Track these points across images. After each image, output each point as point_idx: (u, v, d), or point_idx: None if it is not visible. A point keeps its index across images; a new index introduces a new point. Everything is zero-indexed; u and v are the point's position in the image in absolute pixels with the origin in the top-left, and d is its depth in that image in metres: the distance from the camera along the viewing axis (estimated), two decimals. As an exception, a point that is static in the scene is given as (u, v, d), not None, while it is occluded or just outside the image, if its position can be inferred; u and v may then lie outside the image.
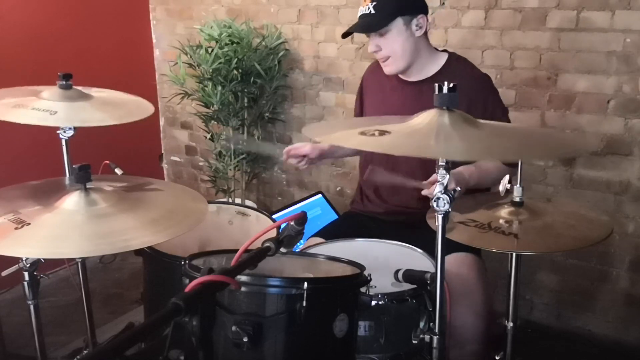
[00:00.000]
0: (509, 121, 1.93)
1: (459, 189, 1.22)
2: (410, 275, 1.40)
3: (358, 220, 2.07)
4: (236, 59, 3.01)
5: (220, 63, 2.99)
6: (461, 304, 1.61)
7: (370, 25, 1.85)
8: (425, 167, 1.86)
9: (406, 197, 1.95)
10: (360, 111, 2.16)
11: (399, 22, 1.84)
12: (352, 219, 2.11)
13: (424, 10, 1.88)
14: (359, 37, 3.00)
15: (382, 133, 1.17)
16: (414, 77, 1.94)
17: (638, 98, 2.36)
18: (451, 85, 1.19)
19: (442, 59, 1.93)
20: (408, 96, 1.93)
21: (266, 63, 3.11)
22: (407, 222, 1.92)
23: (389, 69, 1.92)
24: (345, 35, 1.93)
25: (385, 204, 2.04)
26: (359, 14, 1.88)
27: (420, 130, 1.18)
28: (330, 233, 1.97)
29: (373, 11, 1.83)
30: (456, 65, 1.93)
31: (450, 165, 1.16)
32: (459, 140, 1.15)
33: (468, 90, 1.76)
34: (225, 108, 3.13)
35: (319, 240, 1.93)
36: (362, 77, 2.17)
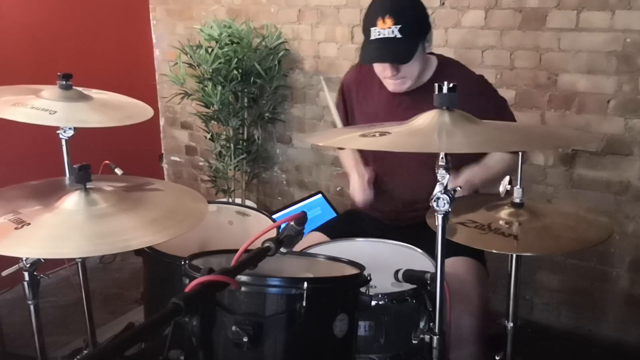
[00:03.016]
0: (511, 114, 1.91)
1: (459, 188, 1.21)
2: (410, 275, 1.40)
3: (360, 219, 2.07)
4: (236, 59, 3.01)
5: (220, 63, 2.99)
6: (457, 307, 1.61)
7: (401, 54, 1.70)
8: (423, 169, 1.85)
9: (398, 205, 1.97)
10: (346, 121, 2.04)
11: (420, 45, 1.74)
12: (354, 217, 2.11)
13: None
14: (359, 37, 3.00)
15: (383, 134, 1.18)
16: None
17: (638, 98, 2.36)
18: (451, 85, 1.19)
19: (434, 64, 1.88)
20: (404, 105, 1.86)
21: (266, 63, 3.11)
22: (406, 225, 1.92)
23: (399, 87, 1.81)
24: (367, 62, 1.80)
25: (382, 211, 2.03)
26: (378, 35, 1.69)
27: (422, 129, 1.18)
28: (331, 229, 1.98)
29: (399, 35, 1.66)
30: (449, 70, 1.87)
31: (450, 165, 1.16)
32: (462, 136, 1.16)
33: (465, 94, 1.75)
34: (225, 108, 3.13)
35: (319, 235, 1.94)
36: (343, 85, 2.05)
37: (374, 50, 1.72)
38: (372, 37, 1.71)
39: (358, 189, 1.93)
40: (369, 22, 1.74)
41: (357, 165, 1.98)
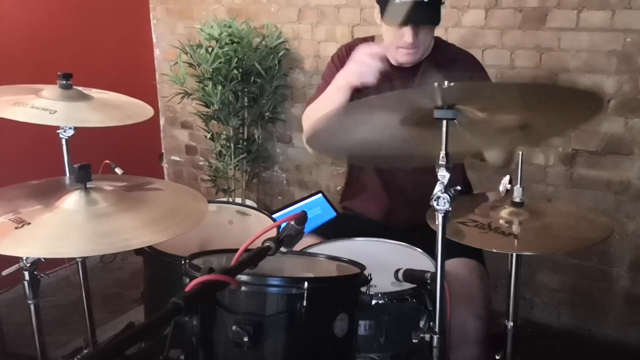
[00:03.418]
0: None
1: (459, 188, 1.21)
2: (410, 275, 1.40)
3: (356, 220, 2.06)
4: (236, 59, 3.01)
5: (220, 62, 2.99)
6: (462, 309, 1.61)
7: (434, 16, 1.71)
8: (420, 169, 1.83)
9: (394, 205, 1.94)
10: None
11: None
12: (351, 219, 2.10)
13: None
14: (359, 36, 3.00)
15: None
16: (408, 64, 1.85)
17: (638, 97, 2.36)
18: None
19: (432, 43, 1.89)
20: (405, 80, 1.85)
21: (266, 62, 3.11)
22: (404, 227, 1.91)
23: (411, 58, 1.80)
24: (403, 24, 1.72)
25: (378, 211, 2.01)
26: None
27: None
28: (328, 231, 1.96)
29: None
30: (444, 49, 1.91)
31: (451, 165, 1.16)
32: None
33: (458, 68, 1.79)
34: (225, 107, 3.13)
35: (314, 239, 1.92)
36: (344, 54, 1.96)
37: (405, 13, 1.69)
38: (398, 0, 1.69)
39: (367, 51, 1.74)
40: None
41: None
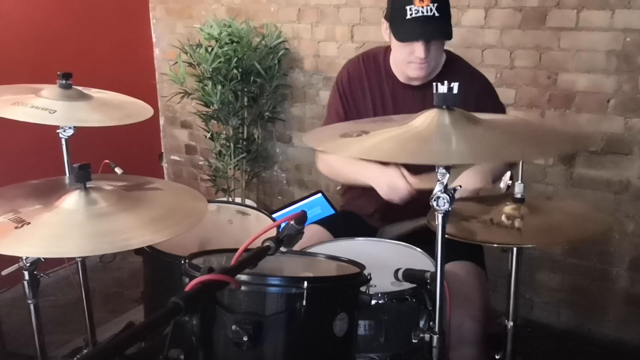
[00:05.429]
0: None
1: (459, 187, 1.21)
2: (410, 274, 1.40)
3: (356, 220, 2.06)
4: (236, 58, 3.01)
5: (220, 62, 2.99)
6: (459, 311, 1.60)
7: (445, 31, 1.70)
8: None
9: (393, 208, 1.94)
10: (345, 116, 1.94)
11: None
12: (351, 217, 2.10)
13: None
14: (359, 36, 3.00)
15: (360, 134, 1.17)
16: (418, 80, 1.84)
17: (638, 97, 2.36)
18: (452, 85, 1.19)
19: (443, 58, 1.87)
20: (415, 100, 1.85)
21: (266, 62, 3.12)
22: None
23: (422, 73, 1.79)
24: (414, 39, 1.72)
25: (376, 215, 2.00)
26: (416, 13, 1.67)
27: (420, 134, 1.17)
28: (330, 224, 1.97)
29: (437, 14, 1.67)
30: (456, 67, 1.88)
31: (450, 165, 1.16)
32: (463, 142, 1.14)
33: (472, 91, 1.77)
34: (225, 107, 3.13)
35: (318, 227, 1.93)
36: (343, 81, 1.96)
37: (418, 28, 1.69)
38: (409, 16, 1.68)
39: (399, 178, 1.72)
40: (403, 1, 1.70)
41: (372, 163, 1.83)
